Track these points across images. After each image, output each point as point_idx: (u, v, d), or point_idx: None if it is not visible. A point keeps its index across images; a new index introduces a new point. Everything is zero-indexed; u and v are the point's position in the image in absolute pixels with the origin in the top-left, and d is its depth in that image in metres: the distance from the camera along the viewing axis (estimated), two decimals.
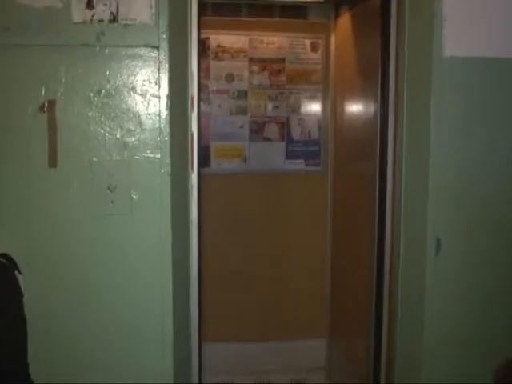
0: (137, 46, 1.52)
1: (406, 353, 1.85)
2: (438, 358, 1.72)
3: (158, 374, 1.59)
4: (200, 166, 1.84)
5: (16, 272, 1.48)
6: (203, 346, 1.94)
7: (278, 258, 3.09)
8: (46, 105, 1.49)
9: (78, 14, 1.48)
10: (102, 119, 1.53)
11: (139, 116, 1.54)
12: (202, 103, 2.65)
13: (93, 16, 1.49)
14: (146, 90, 1.54)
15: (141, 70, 1.53)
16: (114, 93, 1.53)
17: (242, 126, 2.97)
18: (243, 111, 2.96)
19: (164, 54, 1.52)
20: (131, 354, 1.59)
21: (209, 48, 2.91)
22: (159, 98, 1.55)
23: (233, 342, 3.08)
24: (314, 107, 3.01)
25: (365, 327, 2.26)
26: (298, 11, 2.97)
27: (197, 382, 1.86)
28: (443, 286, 1.71)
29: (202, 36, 2.40)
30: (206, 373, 2.23)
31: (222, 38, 2.92)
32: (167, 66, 1.53)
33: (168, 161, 1.55)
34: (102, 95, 1.52)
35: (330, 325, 3.09)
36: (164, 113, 1.55)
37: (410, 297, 1.84)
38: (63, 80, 1.51)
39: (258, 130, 2.99)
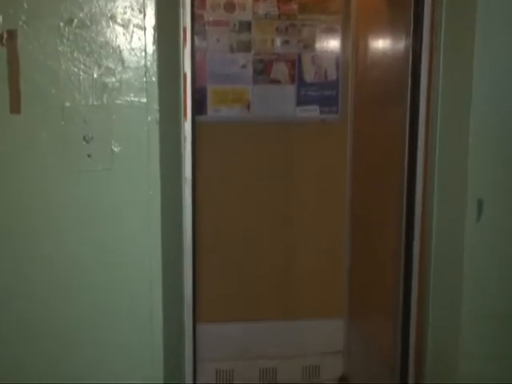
0: None
1: (440, 335, 1.86)
2: (476, 342, 1.73)
3: (146, 360, 1.60)
4: (194, 113, 1.83)
5: None
6: (198, 328, 1.96)
7: (288, 224, 3.09)
8: (5, 36, 1.47)
9: None
10: (75, 55, 1.50)
11: (120, 51, 1.52)
12: (196, 37, 2.62)
13: None
14: (129, 20, 1.51)
15: None
16: (88, 23, 1.50)
17: (244, 66, 2.93)
18: (246, 47, 2.92)
19: None
20: (112, 337, 1.60)
21: None
22: (144, 29, 1.52)
23: (232, 323, 3.11)
24: (332, 42, 2.97)
25: (390, 305, 2.27)
26: None
27: (190, 370, 1.88)
28: (484, 258, 1.71)
29: None
30: (200, 359, 2.26)
31: None
32: None
33: (156, 106, 1.53)
34: (73, 25, 1.49)
35: (349, 303, 3.12)
36: (150, 48, 1.52)
37: (445, 270, 1.84)
38: (25, 5, 1.47)
39: (263, 71, 2.95)
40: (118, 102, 1.53)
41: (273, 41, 2.93)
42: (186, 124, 1.79)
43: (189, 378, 1.85)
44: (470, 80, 1.66)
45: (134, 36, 1.52)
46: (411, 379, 2.09)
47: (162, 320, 1.59)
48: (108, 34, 1.51)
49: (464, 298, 1.73)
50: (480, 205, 1.69)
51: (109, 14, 1.50)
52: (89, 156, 1.53)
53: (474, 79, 1.65)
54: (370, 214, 2.81)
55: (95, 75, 1.52)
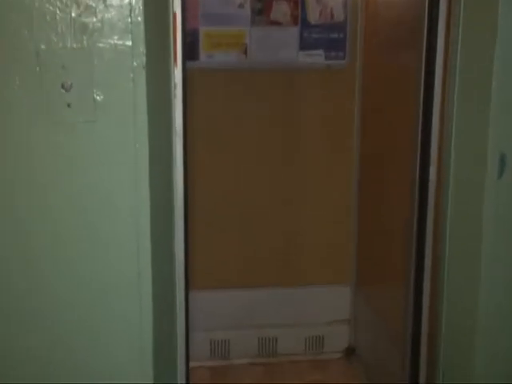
0: None
1: (456, 304, 1.87)
2: (495, 313, 1.74)
3: (134, 330, 1.61)
4: (185, 58, 1.81)
5: None
6: (191, 296, 1.97)
7: (290, 184, 3.09)
8: None
9: None
10: None
11: None
12: None
13: None
14: None
15: None
16: None
17: (241, 5, 2.89)
18: None
19: None
20: (98, 307, 1.61)
21: None
22: None
23: (229, 290, 3.13)
24: None
25: (401, 272, 2.28)
26: None
27: (183, 341, 1.89)
28: (506, 219, 1.71)
29: None
30: (194, 329, 2.28)
31: None
32: None
33: (142, 49, 1.51)
34: None
35: (357, 268, 3.14)
36: None
37: (462, 234, 1.84)
38: None
39: (262, 11, 2.91)
40: (100, 45, 1.51)
41: None
42: (176, 70, 1.77)
43: (181, 349, 1.87)
44: (496, 19, 1.63)
45: None
46: (423, 351, 2.11)
47: (151, 285, 1.60)
48: None
49: (482, 264, 1.73)
50: (502, 160, 1.68)
51: None
52: (68, 106, 1.52)
53: (500, 17, 1.62)
54: (381, 172, 2.80)
55: (73, 14, 1.49)
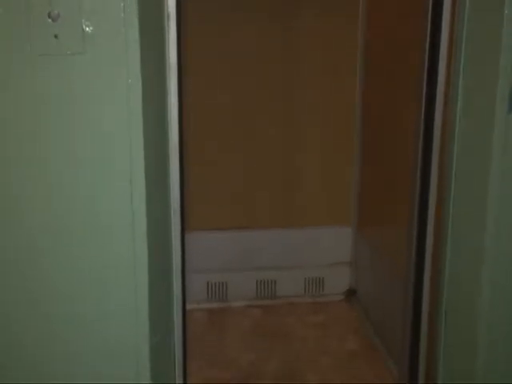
0: None
1: (460, 243, 1.87)
2: (504, 252, 1.74)
3: (128, 272, 1.61)
4: None
5: None
6: (188, 237, 1.96)
7: (290, 119, 3.06)
8: None
9: None
10: None
11: None
12: None
13: None
14: None
15: None
16: None
17: None
18: None
19: None
20: (90, 247, 1.60)
21: None
22: None
23: (226, 231, 3.13)
24: None
25: (404, 212, 2.27)
26: None
27: (179, 283, 1.89)
28: None
29: None
30: (191, 271, 2.29)
31: None
32: None
33: None
34: None
35: (358, 209, 3.13)
36: None
37: (468, 175, 1.82)
38: None
39: None
40: None
41: None
42: None
43: (177, 290, 1.87)
44: None
45: None
46: (426, 292, 2.12)
47: (146, 225, 1.59)
48: None
49: (489, 202, 1.72)
50: None
51: None
52: (56, 37, 1.47)
53: None
54: (385, 107, 2.77)
55: None
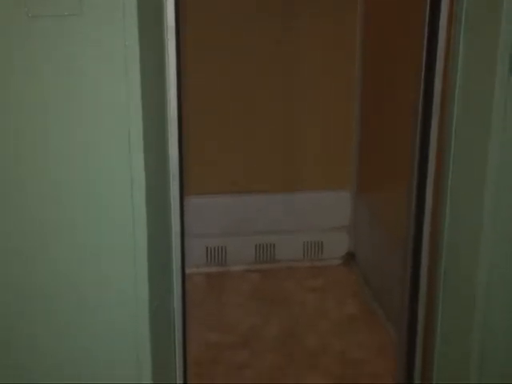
0: None
1: (460, 206, 1.88)
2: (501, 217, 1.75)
3: (127, 238, 1.62)
4: None
5: None
6: (187, 201, 1.97)
7: (290, 83, 3.05)
8: None
9: None
10: None
11: None
12: None
13: None
14: None
15: None
16: None
17: None
18: None
19: None
20: (90, 213, 1.61)
21: None
22: None
23: (225, 196, 3.14)
24: None
25: (404, 176, 2.27)
26: None
27: (179, 247, 1.90)
28: None
29: None
30: (190, 236, 2.29)
31: None
32: None
33: None
34: None
35: (358, 173, 3.13)
36: None
37: (469, 134, 1.82)
38: None
39: None
40: None
41: None
42: None
43: (177, 254, 1.88)
44: None
45: None
46: (425, 256, 2.13)
47: (145, 191, 1.60)
48: None
49: (489, 166, 1.72)
50: None
51: None
52: None
53: None
54: (385, 69, 2.76)
55: None
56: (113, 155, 1.57)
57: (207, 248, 3.13)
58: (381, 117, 2.83)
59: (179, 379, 1.94)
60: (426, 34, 2.01)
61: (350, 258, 3.21)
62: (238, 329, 2.71)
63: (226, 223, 3.13)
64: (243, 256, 3.16)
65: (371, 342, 2.62)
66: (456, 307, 1.91)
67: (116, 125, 1.55)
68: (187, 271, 1.99)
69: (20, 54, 1.49)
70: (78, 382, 1.68)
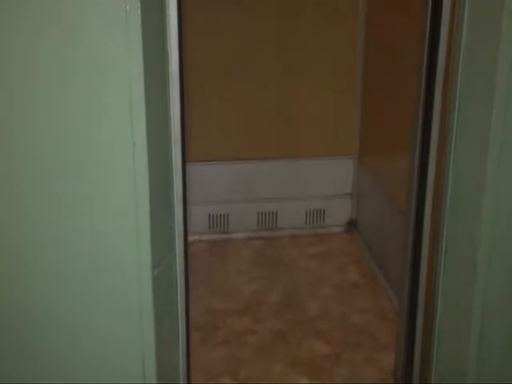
0: None
1: (462, 174, 1.87)
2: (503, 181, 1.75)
3: (128, 205, 1.62)
4: None
5: None
6: (189, 169, 1.96)
7: (291, 50, 3.03)
8: None
9: None
10: None
11: None
12: None
13: None
14: None
15: None
16: None
17: None
18: None
19: None
20: (91, 182, 1.61)
21: None
22: None
23: (226, 163, 3.14)
24: None
25: (406, 142, 2.27)
26: None
27: (181, 214, 1.90)
28: None
29: None
30: (192, 203, 2.30)
31: None
32: None
33: None
34: None
35: (360, 140, 3.13)
36: None
37: (472, 101, 1.82)
38: None
39: None
40: None
41: None
42: None
43: (179, 222, 1.89)
44: None
45: None
46: (427, 223, 2.13)
47: (147, 158, 1.59)
48: None
49: (490, 144, 1.71)
50: None
51: None
52: None
53: None
54: (388, 39, 2.74)
55: None
56: (114, 120, 1.57)
57: (210, 215, 3.13)
58: (384, 83, 2.81)
59: (182, 346, 1.96)
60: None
61: (352, 225, 3.22)
62: (239, 294, 2.73)
63: (228, 190, 3.13)
64: (246, 223, 3.17)
65: (373, 308, 2.64)
66: (457, 275, 1.92)
67: (116, 88, 1.54)
68: (190, 238, 1.99)
69: (16, 18, 1.48)
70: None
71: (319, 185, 3.18)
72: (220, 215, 3.15)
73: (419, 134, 2.08)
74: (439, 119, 2.01)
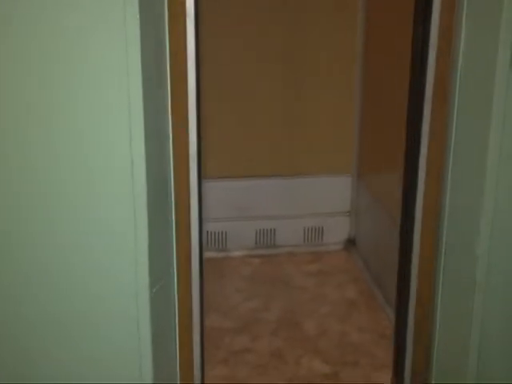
0: None
1: (459, 191, 1.89)
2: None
3: (126, 226, 1.64)
4: None
5: None
6: None
7: (292, 71, 3.06)
8: None
9: None
10: None
11: None
12: None
13: None
14: None
15: None
16: None
17: None
18: None
19: None
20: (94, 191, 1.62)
21: None
22: None
23: (226, 180, 3.15)
24: None
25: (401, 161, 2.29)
26: None
27: (196, 231, 1.92)
28: None
29: None
30: None
31: None
32: None
33: None
34: None
35: (359, 158, 3.14)
36: None
37: (469, 124, 1.83)
38: None
39: None
40: None
41: None
42: None
43: (195, 241, 1.91)
44: None
45: None
46: (417, 236, 2.13)
47: (145, 173, 1.61)
48: None
49: (488, 160, 1.73)
50: None
51: None
52: None
53: None
54: (385, 59, 2.77)
55: None
56: (113, 138, 1.58)
57: (208, 233, 3.14)
58: (382, 101, 2.84)
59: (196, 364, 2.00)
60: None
61: (350, 243, 3.23)
62: (238, 312, 2.74)
63: (226, 208, 3.14)
64: (244, 241, 3.17)
65: (371, 326, 2.64)
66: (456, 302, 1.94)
67: (115, 109, 1.57)
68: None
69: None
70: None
71: (318, 202, 3.19)
72: (218, 233, 3.16)
73: (410, 153, 2.10)
74: (427, 139, 2.02)
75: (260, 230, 3.18)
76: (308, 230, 3.22)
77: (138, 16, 1.50)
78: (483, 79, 1.74)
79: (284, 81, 3.07)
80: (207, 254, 3.13)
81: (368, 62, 3.00)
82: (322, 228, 3.22)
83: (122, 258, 1.66)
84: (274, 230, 3.19)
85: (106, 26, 1.51)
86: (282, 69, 3.06)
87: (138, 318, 1.69)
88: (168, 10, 1.72)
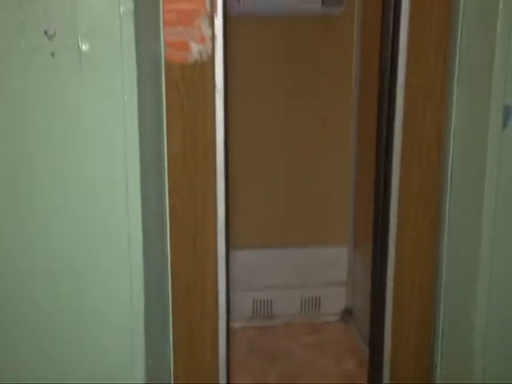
0: None
1: (456, 256, 1.89)
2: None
3: (123, 301, 1.62)
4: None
5: None
6: None
7: (286, 144, 3.09)
8: None
9: None
10: None
11: None
12: None
13: None
14: None
15: None
16: None
17: None
18: None
19: None
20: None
21: None
22: None
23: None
24: None
25: None
26: None
27: (223, 301, 1.95)
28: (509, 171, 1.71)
29: None
30: None
31: None
32: None
33: None
34: None
35: (355, 228, 3.14)
36: None
37: (465, 185, 1.85)
38: None
39: None
40: None
41: None
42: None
43: (222, 310, 1.98)
44: None
45: None
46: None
47: (142, 259, 1.61)
48: None
49: (483, 221, 1.74)
50: (507, 112, 1.68)
51: None
52: (52, 55, 1.50)
53: None
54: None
55: None
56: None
57: None
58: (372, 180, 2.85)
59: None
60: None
61: (347, 313, 3.20)
62: None
63: None
64: (240, 311, 3.14)
65: None
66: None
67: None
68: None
69: (21, 105, 1.52)
70: None
71: (314, 273, 3.18)
72: None
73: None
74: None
75: (257, 300, 3.16)
76: (305, 300, 3.20)
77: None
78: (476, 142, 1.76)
79: (278, 151, 3.09)
80: None
81: (362, 133, 3.03)
82: (319, 298, 3.20)
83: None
84: (271, 300, 3.17)
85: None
86: (274, 143, 3.09)
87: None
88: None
